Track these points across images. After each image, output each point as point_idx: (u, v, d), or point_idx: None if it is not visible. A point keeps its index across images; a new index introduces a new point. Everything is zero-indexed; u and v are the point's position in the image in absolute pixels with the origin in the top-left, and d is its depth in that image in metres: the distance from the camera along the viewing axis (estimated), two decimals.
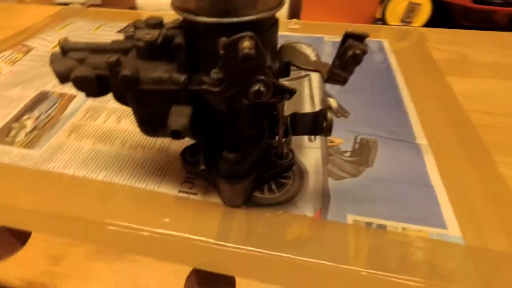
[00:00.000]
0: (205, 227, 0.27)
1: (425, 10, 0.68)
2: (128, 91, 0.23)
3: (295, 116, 0.28)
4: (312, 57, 0.49)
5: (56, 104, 0.39)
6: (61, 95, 0.40)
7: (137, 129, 0.35)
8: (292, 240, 0.27)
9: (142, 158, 0.32)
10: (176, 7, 0.21)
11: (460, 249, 0.26)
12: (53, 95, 0.40)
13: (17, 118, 0.37)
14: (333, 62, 0.21)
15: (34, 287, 0.24)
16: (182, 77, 0.21)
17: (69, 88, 0.41)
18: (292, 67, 0.24)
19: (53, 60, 0.23)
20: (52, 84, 0.42)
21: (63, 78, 0.22)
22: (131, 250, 0.26)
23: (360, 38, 0.19)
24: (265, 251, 0.26)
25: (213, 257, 0.25)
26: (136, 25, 0.22)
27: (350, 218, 0.28)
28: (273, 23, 0.23)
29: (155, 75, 0.21)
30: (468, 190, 0.30)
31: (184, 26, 0.22)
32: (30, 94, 0.40)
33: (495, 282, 0.24)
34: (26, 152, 0.33)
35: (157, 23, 0.22)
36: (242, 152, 0.25)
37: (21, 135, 0.35)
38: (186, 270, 0.24)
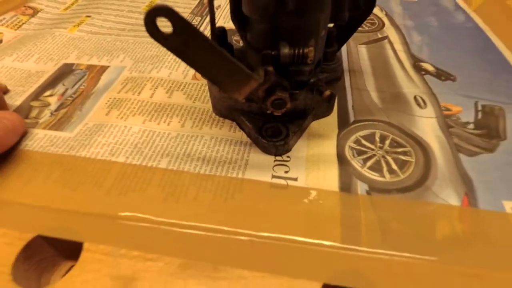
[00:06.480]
0: (323, 226, 0.20)
1: None
2: None
3: None
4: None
5: (85, 77, 0.30)
6: (90, 67, 0.32)
7: (198, 105, 0.28)
8: (445, 239, 0.19)
9: (213, 138, 0.25)
10: None
11: None
12: (79, 67, 0.32)
13: (36, 95, 0.29)
14: None
15: None
16: None
17: (98, 59, 0.33)
18: None
19: None
20: (75, 54, 0.33)
21: None
22: (228, 262, 0.18)
23: None
24: (414, 255, 0.18)
25: (344, 267, 0.18)
26: None
27: (508, 206, 0.21)
28: None
29: None
30: None
31: None
32: (49, 68, 0.32)
33: None
34: (55, 134, 0.25)
35: None
36: None
37: (46, 115, 0.27)
38: None
